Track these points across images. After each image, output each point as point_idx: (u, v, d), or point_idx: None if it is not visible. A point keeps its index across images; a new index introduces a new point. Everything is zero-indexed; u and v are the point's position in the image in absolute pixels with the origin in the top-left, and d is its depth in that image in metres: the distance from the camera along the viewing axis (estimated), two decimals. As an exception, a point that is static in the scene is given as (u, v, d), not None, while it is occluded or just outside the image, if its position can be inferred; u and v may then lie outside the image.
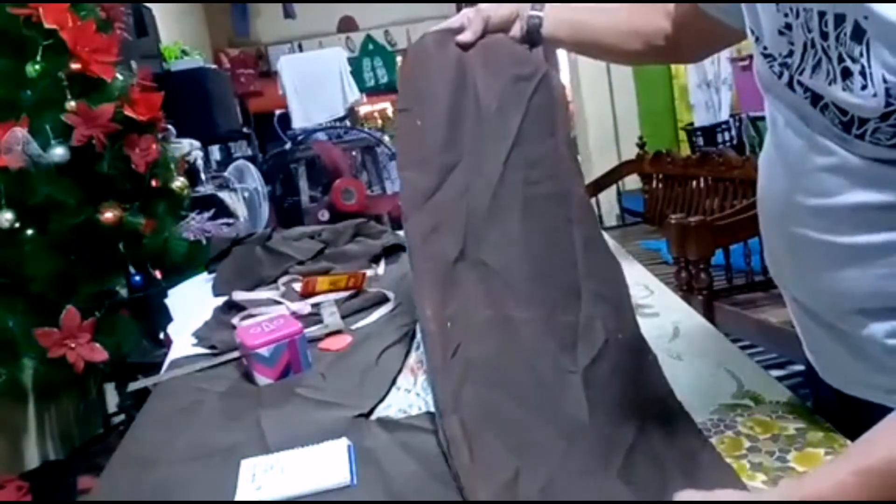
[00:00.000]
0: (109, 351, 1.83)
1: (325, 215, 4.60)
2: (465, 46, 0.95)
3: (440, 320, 0.85)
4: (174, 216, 2.11)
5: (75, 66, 1.81)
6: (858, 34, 0.54)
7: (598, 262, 0.91)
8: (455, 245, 0.90)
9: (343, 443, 0.81)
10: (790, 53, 0.63)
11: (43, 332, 1.74)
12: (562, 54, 4.54)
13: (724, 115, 4.68)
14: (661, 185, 3.66)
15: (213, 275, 1.59)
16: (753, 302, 2.33)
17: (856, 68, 0.55)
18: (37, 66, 1.78)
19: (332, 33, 7.53)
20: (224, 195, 3.05)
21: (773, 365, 2.20)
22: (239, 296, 1.38)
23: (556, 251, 0.91)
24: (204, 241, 2.04)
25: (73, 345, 1.77)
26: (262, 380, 1.03)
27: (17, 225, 1.75)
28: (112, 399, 2.16)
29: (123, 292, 1.94)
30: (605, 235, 0.99)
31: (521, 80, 0.94)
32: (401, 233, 1.70)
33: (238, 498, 0.75)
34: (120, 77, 1.96)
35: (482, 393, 0.81)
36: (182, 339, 1.28)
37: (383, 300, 1.30)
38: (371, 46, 7.53)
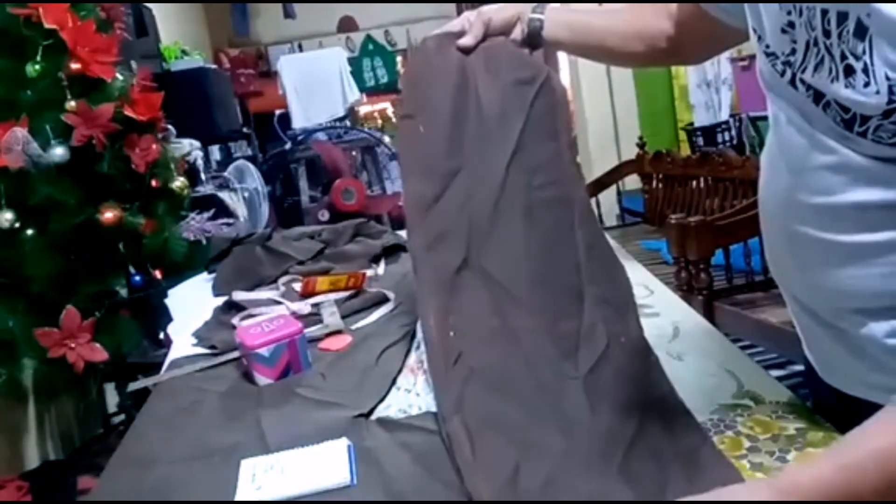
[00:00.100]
0: (109, 351, 1.83)
1: (325, 215, 4.60)
2: (467, 50, 0.95)
3: (443, 329, 0.86)
4: (174, 216, 2.10)
5: (75, 66, 1.81)
6: (861, 31, 0.54)
7: (602, 266, 0.91)
8: (458, 253, 0.90)
9: (343, 443, 0.81)
10: (793, 51, 0.63)
11: (43, 332, 1.74)
12: (562, 55, 4.54)
13: (724, 115, 4.68)
14: (661, 185, 3.66)
15: (213, 275, 1.59)
16: (753, 302, 2.33)
17: (858, 66, 0.55)
18: (37, 66, 1.78)
19: (332, 33, 7.53)
20: (224, 195, 3.05)
21: (773, 365, 2.20)
22: (239, 296, 1.38)
23: (558, 257, 0.91)
24: (204, 241, 2.04)
25: (73, 345, 1.77)
26: (262, 380, 1.03)
27: (17, 225, 1.75)
28: (112, 399, 2.16)
29: (123, 292, 1.94)
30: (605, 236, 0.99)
31: (523, 84, 0.94)
32: (401, 233, 1.70)
33: (238, 498, 0.75)
34: (120, 77, 1.96)
35: (484, 397, 0.81)
36: (182, 339, 1.28)
37: (383, 300, 1.30)
38: (371, 46, 7.53)
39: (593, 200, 3.57)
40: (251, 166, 3.66)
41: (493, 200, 0.91)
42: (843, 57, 0.57)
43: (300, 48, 7.32)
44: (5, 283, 1.78)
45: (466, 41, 0.94)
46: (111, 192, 1.89)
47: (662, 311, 1.15)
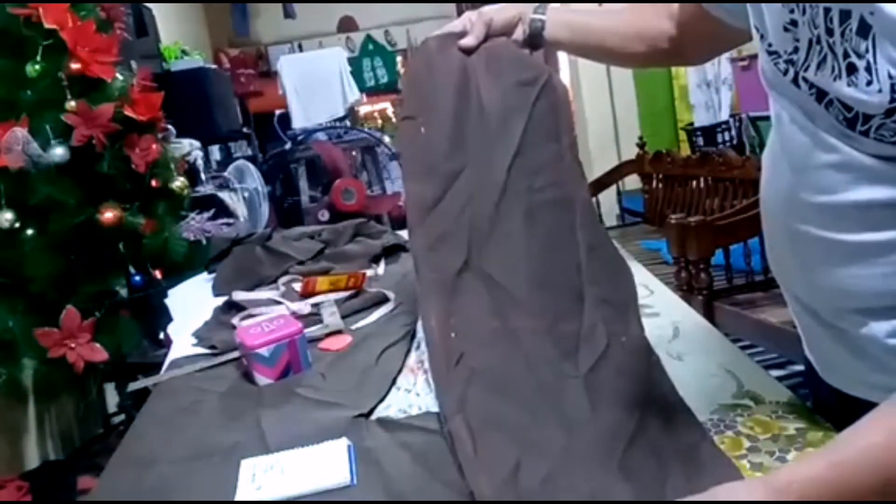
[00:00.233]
0: (109, 351, 1.83)
1: (325, 215, 4.60)
2: (468, 51, 0.95)
3: (444, 330, 0.86)
4: (174, 216, 2.10)
5: (75, 66, 1.81)
6: (864, 30, 0.54)
7: (603, 266, 0.91)
8: (459, 255, 0.90)
9: (343, 443, 0.81)
10: (795, 50, 0.63)
11: (43, 332, 1.74)
12: (562, 55, 4.54)
13: (724, 115, 4.68)
14: (661, 185, 3.67)
15: (213, 275, 1.59)
16: (753, 302, 2.33)
17: (861, 64, 0.55)
18: (37, 66, 1.78)
19: (332, 33, 7.52)
20: (224, 195, 3.05)
21: (773, 365, 2.20)
22: (239, 296, 1.38)
23: (559, 258, 0.91)
24: (204, 241, 2.04)
25: (73, 345, 1.77)
26: (262, 380, 1.03)
27: (17, 225, 1.75)
28: (112, 399, 2.16)
29: (123, 292, 1.94)
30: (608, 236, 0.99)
31: (525, 85, 0.94)
32: (401, 233, 1.70)
33: (238, 498, 0.75)
34: (120, 77, 1.96)
35: (485, 397, 0.82)
36: (182, 339, 1.28)
37: (383, 300, 1.30)
38: (371, 46, 7.53)
39: (593, 200, 3.57)
40: (251, 166, 3.66)
41: (495, 202, 0.91)
42: (846, 55, 0.57)
43: (300, 48, 7.32)
44: (5, 283, 1.78)
45: (468, 41, 0.94)
46: (111, 192, 1.89)
47: (662, 311, 1.15)
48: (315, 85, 5.41)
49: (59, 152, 1.77)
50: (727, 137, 4.67)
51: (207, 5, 6.88)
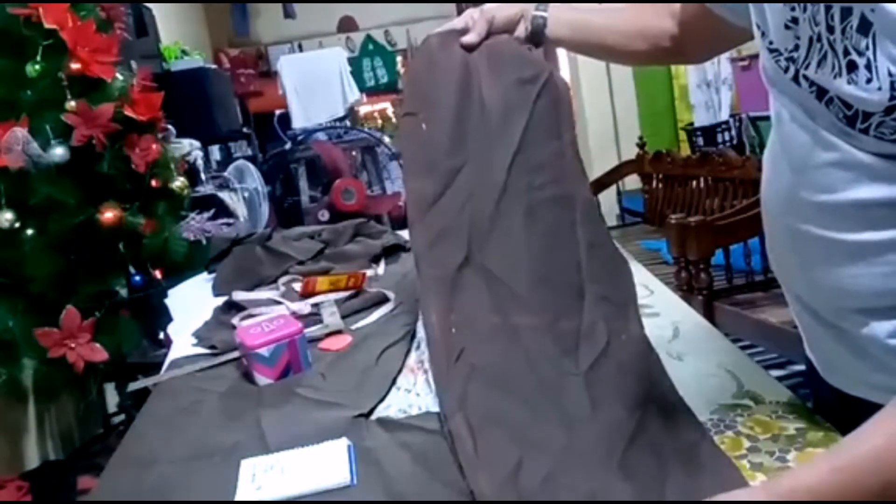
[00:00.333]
0: (109, 351, 1.83)
1: (325, 215, 4.60)
2: (470, 48, 0.95)
3: (445, 326, 0.86)
4: (174, 216, 2.10)
5: (75, 66, 1.81)
6: (865, 27, 0.54)
7: (603, 264, 0.91)
8: (460, 251, 0.90)
9: (343, 443, 0.81)
10: (796, 47, 0.63)
11: (43, 332, 1.74)
12: (562, 55, 4.55)
13: (724, 115, 4.68)
14: (661, 185, 3.67)
15: (213, 275, 1.59)
16: (753, 302, 2.33)
17: (861, 62, 0.55)
18: (37, 66, 1.78)
19: (332, 33, 7.52)
20: (224, 195, 3.05)
21: (773, 365, 2.20)
22: (239, 296, 1.38)
23: (559, 255, 0.91)
24: (204, 241, 2.03)
25: (73, 345, 1.77)
26: (262, 380, 1.03)
27: (17, 225, 1.75)
28: (112, 399, 2.16)
29: (123, 292, 1.94)
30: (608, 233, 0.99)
31: (526, 82, 0.94)
32: (401, 233, 1.70)
33: (238, 498, 0.75)
34: (120, 77, 1.96)
35: (485, 394, 0.82)
36: (182, 339, 1.28)
37: (383, 300, 1.30)
38: (371, 46, 7.53)
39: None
40: (251, 166, 3.66)
41: (495, 198, 0.91)
42: (847, 53, 0.57)
43: (300, 48, 7.32)
44: (5, 283, 1.78)
45: (470, 38, 0.95)
46: (111, 192, 1.89)
47: (662, 311, 1.15)
48: (315, 85, 5.40)
49: (59, 152, 1.77)
50: (727, 137, 4.67)
51: (207, 5, 6.88)
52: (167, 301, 1.60)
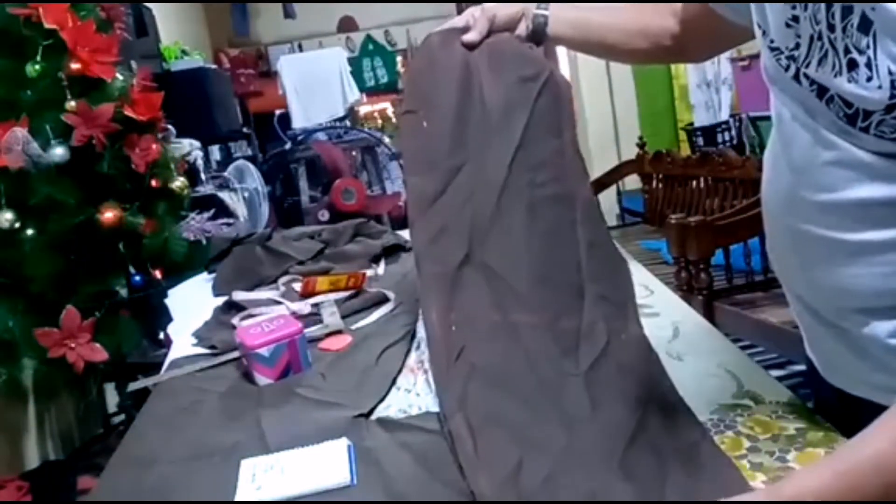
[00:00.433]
0: (109, 351, 1.83)
1: (325, 215, 4.60)
2: (471, 46, 0.95)
3: (445, 324, 0.86)
4: (174, 216, 2.10)
5: (75, 66, 1.81)
6: (865, 25, 0.54)
7: (603, 263, 0.91)
8: (460, 249, 0.90)
9: (343, 443, 0.81)
10: (797, 46, 0.63)
11: (43, 332, 1.74)
12: (562, 54, 4.54)
13: (724, 115, 4.68)
14: (661, 185, 3.67)
15: (213, 275, 1.59)
16: (753, 302, 2.33)
17: (862, 60, 0.56)
18: (37, 66, 1.78)
19: (332, 33, 7.52)
20: (224, 195, 3.05)
21: (773, 365, 2.20)
22: (239, 296, 1.38)
23: (559, 254, 0.91)
24: (204, 241, 2.03)
25: (73, 345, 1.77)
26: (262, 380, 1.03)
27: (17, 225, 1.75)
28: (112, 399, 2.16)
29: (123, 292, 1.94)
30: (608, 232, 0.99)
31: (527, 80, 0.94)
32: (401, 233, 1.70)
33: (238, 498, 0.75)
34: (120, 77, 1.96)
35: (485, 393, 0.82)
36: (182, 339, 1.28)
37: (383, 300, 1.30)
38: (371, 46, 7.53)
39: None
40: (251, 166, 3.66)
41: (496, 197, 0.91)
42: (847, 51, 0.57)
43: (300, 48, 7.32)
44: (5, 283, 1.78)
45: (471, 37, 0.95)
46: (111, 192, 1.89)
47: (662, 311, 1.15)
48: (315, 85, 5.40)
49: (59, 152, 1.77)
50: (727, 137, 4.67)
51: (207, 5, 6.88)
52: (167, 301, 1.60)
